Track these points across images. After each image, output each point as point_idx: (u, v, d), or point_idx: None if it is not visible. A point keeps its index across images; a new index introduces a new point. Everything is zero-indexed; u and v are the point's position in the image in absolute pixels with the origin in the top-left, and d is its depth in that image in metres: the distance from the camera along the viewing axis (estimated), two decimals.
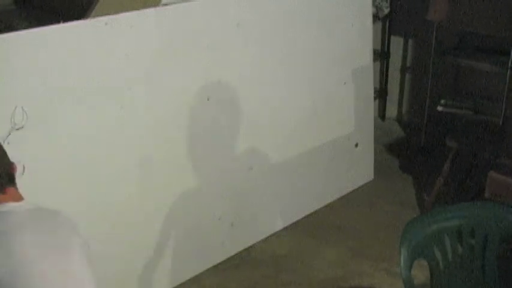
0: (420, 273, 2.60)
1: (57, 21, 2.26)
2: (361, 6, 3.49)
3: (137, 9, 2.46)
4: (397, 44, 4.48)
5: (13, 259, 1.47)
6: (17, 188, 1.66)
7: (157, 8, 2.54)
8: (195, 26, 2.68)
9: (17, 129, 2.18)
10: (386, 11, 4.31)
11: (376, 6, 4.22)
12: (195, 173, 2.87)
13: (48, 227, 1.60)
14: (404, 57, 4.51)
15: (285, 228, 3.38)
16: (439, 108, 4.07)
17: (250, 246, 3.22)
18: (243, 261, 3.14)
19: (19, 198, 1.64)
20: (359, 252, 3.19)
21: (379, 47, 4.52)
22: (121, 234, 2.65)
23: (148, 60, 2.56)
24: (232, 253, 3.15)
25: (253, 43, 2.95)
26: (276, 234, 3.34)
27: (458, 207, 2.23)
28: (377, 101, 4.57)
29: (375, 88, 3.90)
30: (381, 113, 4.69)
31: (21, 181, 2.23)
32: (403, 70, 4.55)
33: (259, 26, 2.95)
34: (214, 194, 3.00)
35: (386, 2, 4.29)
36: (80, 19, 2.35)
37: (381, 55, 4.51)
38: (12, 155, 2.20)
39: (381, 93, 4.61)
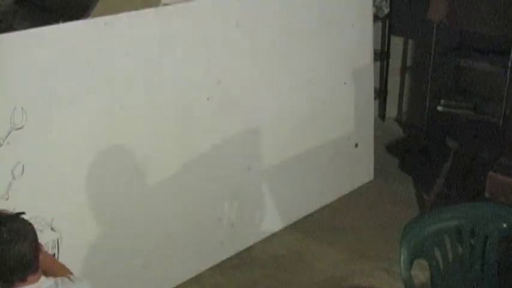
0: (420, 273, 2.60)
1: (57, 21, 2.26)
2: (362, 6, 3.48)
3: (137, 9, 2.46)
4: (397, 44, 4.48)
5: None
6: (37, 271, 1.70)
7: (157, 8, 2.54)
8: (195, 26, 2.68)
9: (17, 129, 2.18)
10: (386, 11, 4.30)
11: (376, 6, 4.22)
12: (195, 173, 2.87)
13: None
14: (404, 57, 4.51)
15: (285, 228, 3.38)
16: (439, 108, 4.07)
17: (250, 246, 3.22)
18: (243, 261, 3.14)
19: (36, 280, 1.70)
20: (359, 252, 3.19)
21: (379, 47, 4.52)
22: (120, 234, 2.65)
23: (148, 60, 2.56)
24: (232, 253, 3.15)
25: (253, 43, 2.95)
26: (276, 234, 3.34)
27: (458, 207, 2.23)
28: (377, 101, 4.56)
29: (375, 88, 3.90)
30: (381, 113, 4.69)
31: (21, 181, 2.25)
32: (403, 70, 4.55)
33: (258, 26, 2.95)
34: (214, 194, 3.00)
35: (386, 2, 4.28)
36: (80, 19, 2.35)
37: (381, 55, 4.51)
38: (12, 155, 2.22)
39: (381, 93, 4.61)
